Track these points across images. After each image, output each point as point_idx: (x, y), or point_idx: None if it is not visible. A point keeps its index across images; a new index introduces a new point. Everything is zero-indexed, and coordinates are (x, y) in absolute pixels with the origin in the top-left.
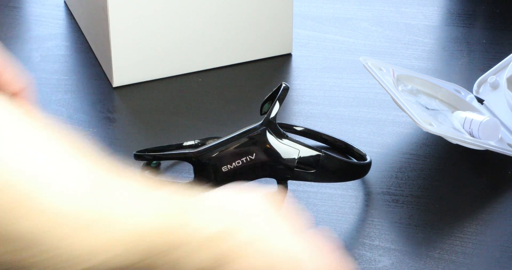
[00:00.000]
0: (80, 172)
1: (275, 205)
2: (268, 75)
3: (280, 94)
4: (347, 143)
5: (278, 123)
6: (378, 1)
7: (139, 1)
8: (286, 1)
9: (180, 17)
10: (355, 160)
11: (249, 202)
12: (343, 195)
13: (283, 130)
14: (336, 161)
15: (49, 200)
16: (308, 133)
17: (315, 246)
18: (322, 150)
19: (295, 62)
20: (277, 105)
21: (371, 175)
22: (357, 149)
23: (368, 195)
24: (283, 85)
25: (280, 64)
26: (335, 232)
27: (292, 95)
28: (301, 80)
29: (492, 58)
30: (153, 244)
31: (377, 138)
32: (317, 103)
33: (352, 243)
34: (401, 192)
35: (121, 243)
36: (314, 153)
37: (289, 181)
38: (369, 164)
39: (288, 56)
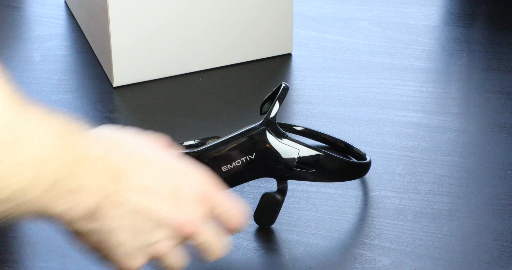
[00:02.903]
0: None
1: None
2: (268, 75)
3: (280, 94)
4: (347, 143)
5: (278, 123)
6: (378, 1)
7: (139, 1)
8: (286, 1)
9: (180, 17)
10: (354, 160)
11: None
12: (343, 195)
13: (283, 130)
14: (336, 161)
15: None
16: (308, 133)
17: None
18: (322, 150)
19: (295, 62)
20: (277, 105)
21: (370, 175)
22: (356, 148)
23: (367, 195)
24: (283, 85)
25: (280, 64)
26: (336, 232)
27: (292, 95)
28: (301, 80)
29: (492, 58)
30: (53, 169)
31: (377, 138)
32: (317, 103)
33: (351, 243)
34: (401, 192)
35: (23, 172)
36: (314, 152)
37: (289, 181)
38: (369, 163)
39: (288, 56)
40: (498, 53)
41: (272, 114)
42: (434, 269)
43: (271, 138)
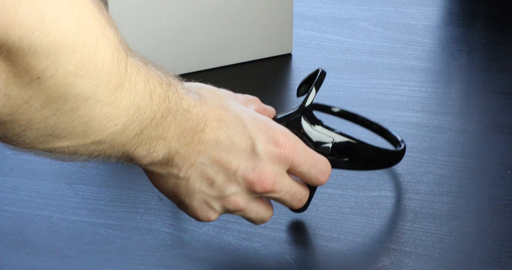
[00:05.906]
0: None
1: None
2: (268, 75)
3: (317, 80)
4: (383, 127)
5: (314, 103)
6: (378, 1)
7: (140, 1)
8: (286, 1)
9: (180, 17)
10: (391, 147)
11: None
12: (343, 195)
13: (320, 110)
14: (370, 149)
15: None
16: (344, 114)
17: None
18: (356, 138)
19: (295, 62)
20: (313, 91)
21: (370, 174)
22: (392, 134)
23: (367, 195)
24: (320, 70)
25: (280, 64)
26: (337, 232)
27: (292, 95)
28: (301, 80)
29: (492, 58)
30: (146, 118)
31: (377, 138)
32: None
33: (351, 243)
34: (401, 192)
35: (123, 116)
36: (348, 140)
37: None
38: (403, 151)
39: (288, 56)
40: (498, 53)
41: (308, 102)
42: (434, 269)
43: (306, 126)
